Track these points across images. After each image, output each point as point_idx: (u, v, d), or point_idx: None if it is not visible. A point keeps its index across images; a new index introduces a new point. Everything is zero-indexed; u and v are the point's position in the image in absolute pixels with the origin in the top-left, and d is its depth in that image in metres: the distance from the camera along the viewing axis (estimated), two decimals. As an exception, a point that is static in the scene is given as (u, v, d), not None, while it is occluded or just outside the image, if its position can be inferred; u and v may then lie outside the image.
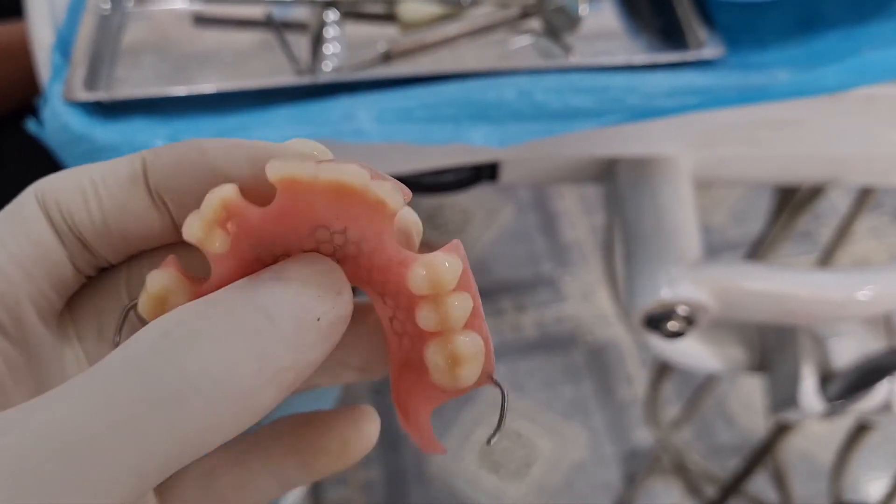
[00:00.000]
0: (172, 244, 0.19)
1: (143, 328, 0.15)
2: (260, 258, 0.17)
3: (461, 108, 0.38)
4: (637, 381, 1.12)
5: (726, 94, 0.38)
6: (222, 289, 0.16)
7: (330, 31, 0.44)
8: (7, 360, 0.17)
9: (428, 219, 1.26)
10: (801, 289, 0.41)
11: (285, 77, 0.41)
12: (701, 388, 0.93)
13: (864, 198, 0.70)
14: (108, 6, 0.44)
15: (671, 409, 1.03)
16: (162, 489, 0.20)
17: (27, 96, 0.52)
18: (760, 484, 0.92)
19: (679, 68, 0.41)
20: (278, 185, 0.16)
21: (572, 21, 0.42)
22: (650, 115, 0.38)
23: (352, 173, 0.16)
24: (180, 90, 0.39)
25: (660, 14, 0.45)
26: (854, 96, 0.39)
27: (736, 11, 0.42)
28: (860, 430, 0.67)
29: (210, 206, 0.16)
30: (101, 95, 0.39)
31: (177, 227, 0.18)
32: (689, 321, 0.41)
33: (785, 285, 0.41)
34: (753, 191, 1.28)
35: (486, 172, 0.46)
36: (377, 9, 0.45)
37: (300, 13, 0.45)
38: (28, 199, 0.17)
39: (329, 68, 0.41)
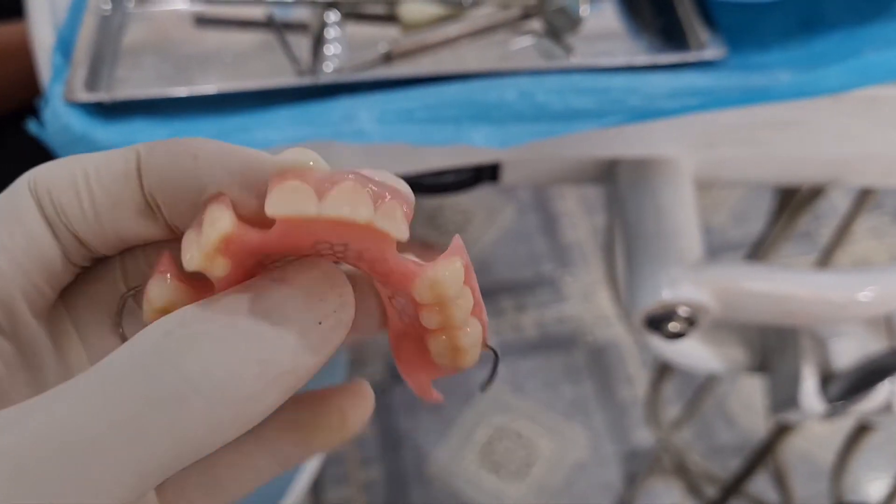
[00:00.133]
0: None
1: (146, 328, 0.15)
2: (261, 262, 0.17)
3: (462, 109, 0.38)
4: (638, 381, 1.12)
5: (728, 95, 0.38)
6: (224, 292, 0.16)
7: (331, 32, 0.43)
8: (1, 354, 0.17)
9: (428, 219, 1.26)
10: (803, 289, 0.41)
11: (286, 78, 0.41)
12: (701, 388, 0.93)
13: (865, 198, 0.70)
14: (108, 7, 0.44)
15: (672, 410, 1.03)
16: None
17: (28, 97, 0.52)
18: (761, 484, 0.92)
19: (680, 69, 0.41)
20: (278, 221, 0.15)
21: (573, 22, 0.42)
22: (651, 115, 0.38)
23: (356, 210, 0.15)
24: (181, 91, 0.39)
25: (661, 15, 0.45)
26: (855, 97, 0.39)
27: (737, 12, 0.42)
28: (861, 430, 0.67)
29: (209, 241, 0.15)
30: (101, 96, 0.39)
31: (170, 227, 0.18)
32: (691, 322, 0.41)
33: (786, 286, 0.41)
34: (754, 191, 1.28)
35: (487, 173, 0.46)
36: (378, 9, 0.45)
37: (301, 14, 0.45)
38: (22, 190, 0.17)
39: (330, 69, 0.41)
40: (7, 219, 0.17)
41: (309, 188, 0.15)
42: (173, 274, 0.17)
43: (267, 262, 0.17)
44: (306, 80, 0.40)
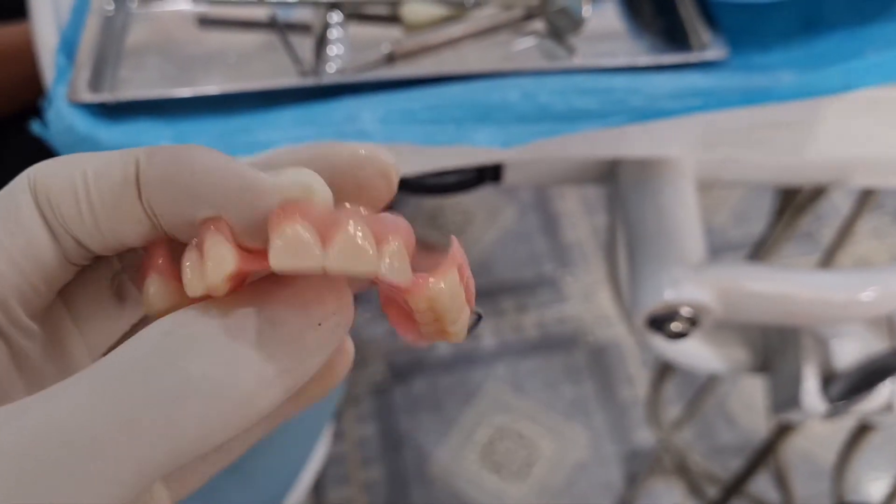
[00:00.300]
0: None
1: (147, 328, 0.15)
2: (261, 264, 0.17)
3: (465, 110, 0.38)
4: (638, 381, 1.12)
5: (729, 95, 0.38)
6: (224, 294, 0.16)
7: (333, 33, 0.44)
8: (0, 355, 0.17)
9: (429, 219, 1.26)
10: (805, 290, 0.41)
11: (289, 78, 0.41)
12: (702, 388, 0.93)
13: (866, 198, 0.70)
14: (111, 7, 0.44)
15: (672, 410, 1.03)
16: None
17: (31, 97, 0.52)
18: (762, 484, 0.92)
19: (682, 70, 0.41)
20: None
21: (575, 22, 0.42)
22: (653, 116, 0.38)
23: (361, 264, 0.15)
24: (184, 91, 0.39)
25: (663, 15, 0.45)
26: (857, 98, 0.39)
27: (739, 13, 0.42)
28: (862, 430, 0.67)
29: (213, 280, 0.16)
30: (105, 97, 0.39)
31: (168, 234, 0.18)
32: (693, 322, 0.41)
33: (789, 286, 0.41)
34: (754, 191, 1.29)
35: (489, 174, 0.46)
36: (381, 10, 0.45)
37: (304, 15, 0.45)
38: (21, 189, 0.17)
39: (333, 70, 0.41)
40: (5, 218, 0.17)
41: (312, 238, 0.15)
42: (171, 273, 0.17)
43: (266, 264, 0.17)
44: (309, 81, 0.40)
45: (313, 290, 0.16)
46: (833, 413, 0.50)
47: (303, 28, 0.44)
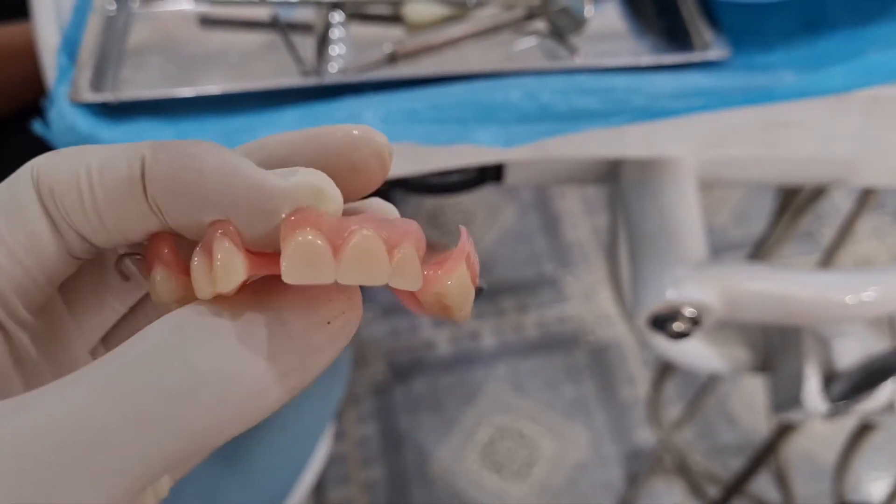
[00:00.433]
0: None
1: (155, 323, 0.15)
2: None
3: (467, 109, 0.38)
4: (639, 381, 1.12)
5: (731, 95, 0.39)
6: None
7: (335, 33, 0.44)
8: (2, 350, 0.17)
9: (430, 219, 1.26)
10: (807, 290, 0.41)
11: (291, 78, 0.41)
12: (703, 388, 0.94)
13: (866, 198, 0.71)
14: (113, 7, 0.44)
15: (673, 410, 1.03)
16: None
17: (33, 97, 0.52)
18: (763, 484, 0.92)
19: (684, 69, 0.41)
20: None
21: (577, 22, 0.42)
22: (655, 116, 0.38)
23: (373, 275, 0.15)
24: (186, 91, 0.39)
25: (664, 15, 0.45)
26: (859, 97, 0.39)
27: (741, 13, 0.42)
28: (863, 430, 0.67)
29: (223, 287, 0.15)
30: (107, 97, 0.39)
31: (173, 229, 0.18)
32: (695, 322, 0.41)
33: (790, 286, 0.41)
34: (755, 191, 1.29)
35: (491, 173, 0.46)
36: (383, 10, 0.45)
37: (306, 14, 0.45)
38: (24, 182, 0.17)
39: (335, 69, 0.41)
40: (7, 211, 0.17)
41: (324, 252, 0.15)
42: (178, 267, 0.17)
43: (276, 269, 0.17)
44: (311, 81, 0.40)
45: (322, 288, 0.16)
46: (834, 413, 0.50)
47: (305, 28, 0.44)
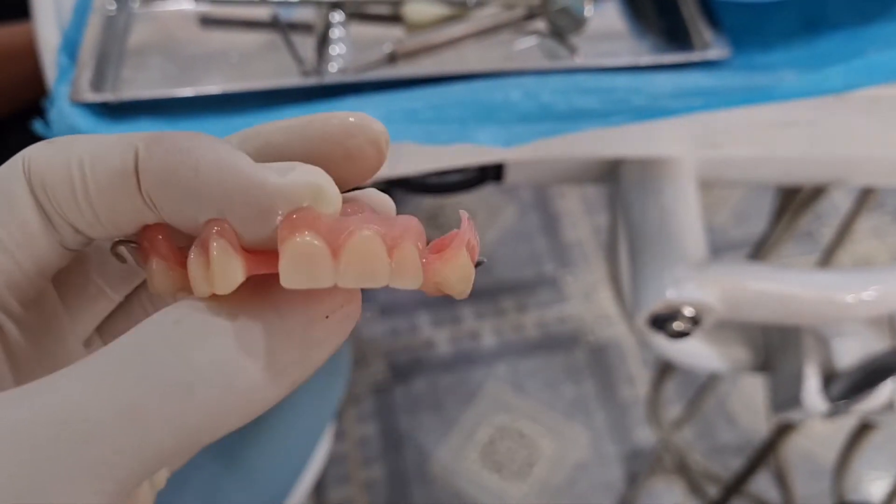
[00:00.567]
0: None
1: (154, 317, 0.15)
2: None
3: (467, 109, 0.38)
4: (639, 380, 1.12)
5: (731, 94, 0.39)
6: None
7: (335, 32, 0.44)
8: None
9: (429, 218, 1.26)
10: (807, 289, 0.41)
11: (291, 78, 0.41)
12: (703, 387, 0.94)
13: (866, 198, 0.71)
14: (113, 7, 0.44)
15: (673, 409, 1.03)
16: None
17: (34, 97, 0.52)
18: (762, 484, 0.92)
19: (684, 69, 0.41)
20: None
21: (577, 22, 0.42)
22: (655, 115, 0.38)
23: (373, 277, 0.15)
24: (186, 91, 0.39)
25: (664, 15, 0.45)
26: (859, 97, 0.39)
27: (741, 12, 0.42)
28: (863, 429, 0.67)
29: (220, 288, 0.15)
30: (107, 96, 0.39)
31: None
32: (695, 321, 0.41)
33: (791, 286, 0.41)
34: (755, 191, 1.29)
35: (491, 173, 0.46)
36: (383, 10, 0.45)
37: (306, 14, 0.45)
38: (15, 174, 0.16)
39: (335, 69, 0.41)
40: (1, 207, 0.16)
41: (323, 256, 0.15)
42: (174, 259, 0.17)
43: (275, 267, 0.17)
44: (311, 81, 0.40)
45: None
46: (834, 412, 0.50)
47: (305, 28, 0.44)
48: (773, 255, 0.73)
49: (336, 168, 0.17)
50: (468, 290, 0.17)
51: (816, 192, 0.65)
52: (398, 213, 0.18)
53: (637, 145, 0.42)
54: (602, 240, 1.26)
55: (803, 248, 1.21)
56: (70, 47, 0.41)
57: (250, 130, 0.18)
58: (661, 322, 0.42)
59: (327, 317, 0.16)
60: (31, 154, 0.17)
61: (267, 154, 0.17)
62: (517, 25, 0.44)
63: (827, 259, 0.80)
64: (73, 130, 0.38)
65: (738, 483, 0.83)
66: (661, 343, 0.51)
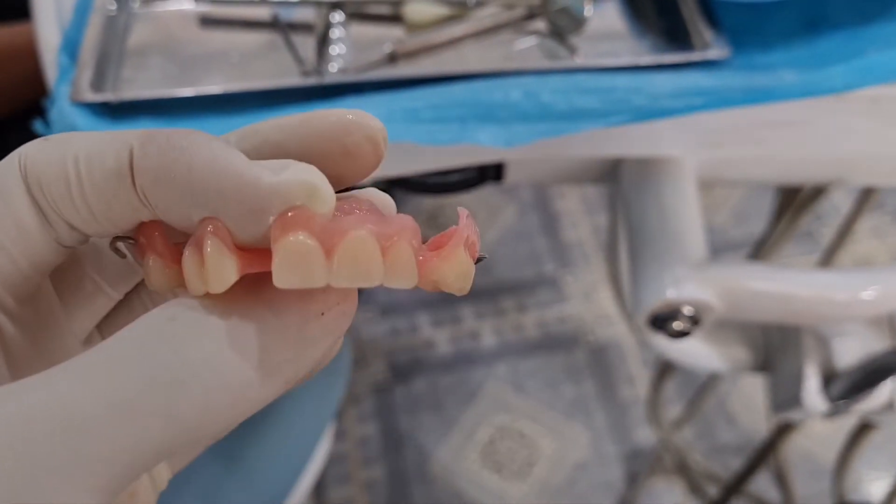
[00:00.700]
0: None
1: (149, 314, 0.15)
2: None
3: (467, 109, 0.38)
4: (639, 380, 1.12)
5: (731, 94, 0.39)
6: None
7: (335, 32, 0.44)
8: None
9: (429, 218, 1.26)
10: (807, 289, 0.41)
11: (291, 78, 0.41)
12: (703, 387, 0.94)
13: (866, 198, 0.71)
14: (114, 7, 0.44)
15: (673, 409, 1.03)
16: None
17: (34, 97, 0.52)
18: (762, 483, 0.92)
19: (684, 69, 0.41)
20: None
21: (577, 22, 0.42)
22: (655, 115, 0.38)
23: (367, 277, 0.15)
24: (187, 91, 0.39)
25: (664, 15, 0.45)
26: (859, 97, 0.39)
27: (741, 12, 0.42)
28: (863, 429, 0.67)
29: (215, 287, 0.15)
30: (107, 96, 0.39)
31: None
32: (695, 321, 0.41)
33: (790, 285, 0.41)
34: (755, 191, 1.29)
35: (491, 173, 0.46)
36: (383, 10, 0.45)
37: (306, 14, 0.45)
38: (11, 172, 0.16)
39: (335, 69, 0.41)
40: None
41: (316, 256, 0.15)
42: (170, 257, 0.17)
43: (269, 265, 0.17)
44: (311, 81, 0.40)
45: None
46: (834, 412, 0.50)
47: (305, 28, 0.44)
48: (773, 255, 0.73)
49: (334, 165, 0.17)
50: (468, 287, 0.17)
51: (816, 192, 0.65)
52: (397, 213, 0.18)
53: (637, 145, 0.42)
54: (602, 240, 1.26)
55: (803, 248, 1.21)
56: (70, 47, 0.41)
57: (248, 128, 0.18)
58: (661, 322, 0.42)
59: (323, 314, 0.16)
60: (26, 151, 0.17)
61: (265, 152, 0.17)
62: (517, 25, 0.44)
63: (827, 259, 0.80)
64: (73, 130, 0.38)
65: (738, 483, 0.83)
66: (661, 343, 0.51)
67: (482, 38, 0.44)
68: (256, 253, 0.16)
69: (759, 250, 0.75)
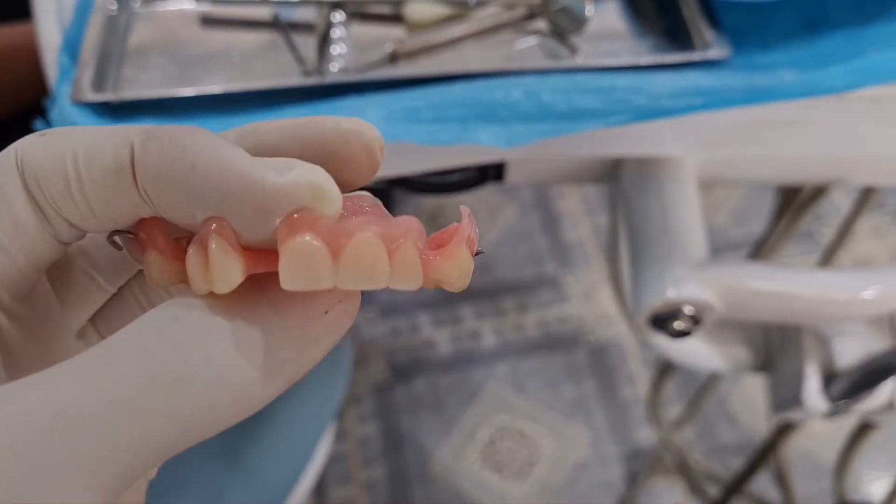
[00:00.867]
0: None
1: (151, 312, 0.15)
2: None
3: (468, 109, 0.38)
4: (639, 380, 1.13)
5: (732, 94, 0.39)
6: None
7: (336, 32, 0.44)
8: None
9: (430, 218, 1.26)
10: (807, 289, 0.41)
11: (292, 78, 0.41)
12: (703, 387, 0.94)
13: (866, 198, 0.71)
14: (115, 7, 0.44)
15: (673, 409, 1.03)
16: None
17: (35, 97, 0.52)
18: (763, 483, 0.92)
19: (685, 69, 0.41)
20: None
21: (578, 22, 0.42)
22: (656, 115, 0.38)
23: (373, 279, 0.15)
24: (187, 91, 0.39)
25: (665, 15, 0.45)
26: (859, 97, 0.39)
27: (741, 12, 0.42)
28: (863, 429, 0.67)
29: (220, 288, 0.15)
30: (108, 96, 0.39)
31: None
32: (695, 321, 0.41)
33: (791, 285, 0.41)
34: (755, 191, 1.29)
35: (492, 173, 0.46)
36: (384, 9, 0.45)
37: (307, 14, 0.45)
38: (8, 168, 0.16)
39: (336, 69, 0.41)
40: None
41: (322, 258, 0.15)
42: (171, 254, 0.17)
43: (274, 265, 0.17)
44: (312, 80, 0.40)
45: None
46: (834, 412, 0.50)
47: (306, 27, 0.44)
48: (773, 255, 0.73)
49: (330, 172, 0.17)
50: (466, 284, 0.17)
51: (816, 192, 0.65)
52: (398, 213, 0.18)
53: (637, 145, 0.42)
54: (602, 240, 1.26)
55: (803, 248, 1.21)
56: (71, 47, 0.41)
57: (248, 127, 0.18)
58: (662, 321, 0.42)
59: (326, 312, 0.16)
60: (23, 146, 0.16)
61: (262, 153, 0.17)
62: (518, 25, 0.45)
63: (827, 259, 0.80)
64: (74, 130, 0.38)
65: (738, 483, 0.83)
66: (662, 342, 0.51)
67: (483, 37, 0.44)
68: (260, 253, 0.16)
69: (759, 250, 0.75)
